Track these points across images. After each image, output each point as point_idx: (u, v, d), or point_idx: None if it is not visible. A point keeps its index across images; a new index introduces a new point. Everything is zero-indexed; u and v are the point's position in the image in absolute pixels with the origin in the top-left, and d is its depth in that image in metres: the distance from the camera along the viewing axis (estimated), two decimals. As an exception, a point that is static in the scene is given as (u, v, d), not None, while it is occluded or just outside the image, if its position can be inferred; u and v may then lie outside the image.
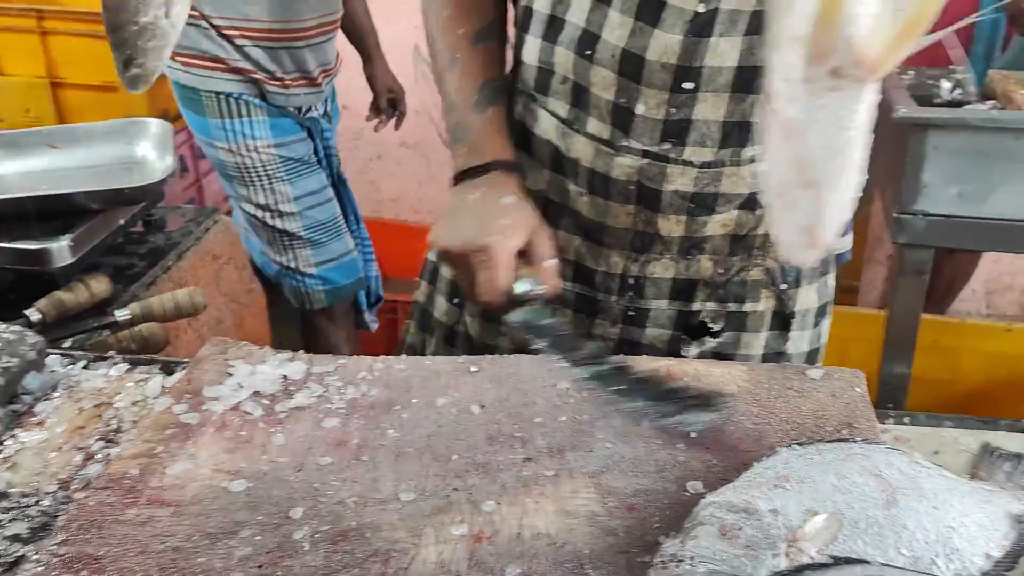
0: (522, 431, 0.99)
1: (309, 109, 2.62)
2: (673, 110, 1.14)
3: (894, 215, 1.83)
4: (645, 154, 1.17)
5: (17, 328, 1.22)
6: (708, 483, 0.92)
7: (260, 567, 0.83)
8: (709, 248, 1.22)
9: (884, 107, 1.85)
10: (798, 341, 1.28)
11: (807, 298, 1.27)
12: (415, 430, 1.01)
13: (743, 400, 1.04)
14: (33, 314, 1.76)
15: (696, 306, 1.24)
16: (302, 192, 2.59)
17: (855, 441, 0.93)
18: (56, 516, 0.97)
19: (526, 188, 1.20)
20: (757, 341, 1.27)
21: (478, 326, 1.36)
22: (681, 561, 0.77)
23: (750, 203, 1.19)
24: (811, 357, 1.32)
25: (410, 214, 3.76)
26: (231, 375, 1.10)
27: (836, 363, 1.14)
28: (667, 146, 1.16)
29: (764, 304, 1.25)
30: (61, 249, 1.84)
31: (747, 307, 1.25)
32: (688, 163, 1.16)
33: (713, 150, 1.16)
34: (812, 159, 0.78)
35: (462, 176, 1.19)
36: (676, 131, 1.15)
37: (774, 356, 1.28)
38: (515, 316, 1.12)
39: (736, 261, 1.23)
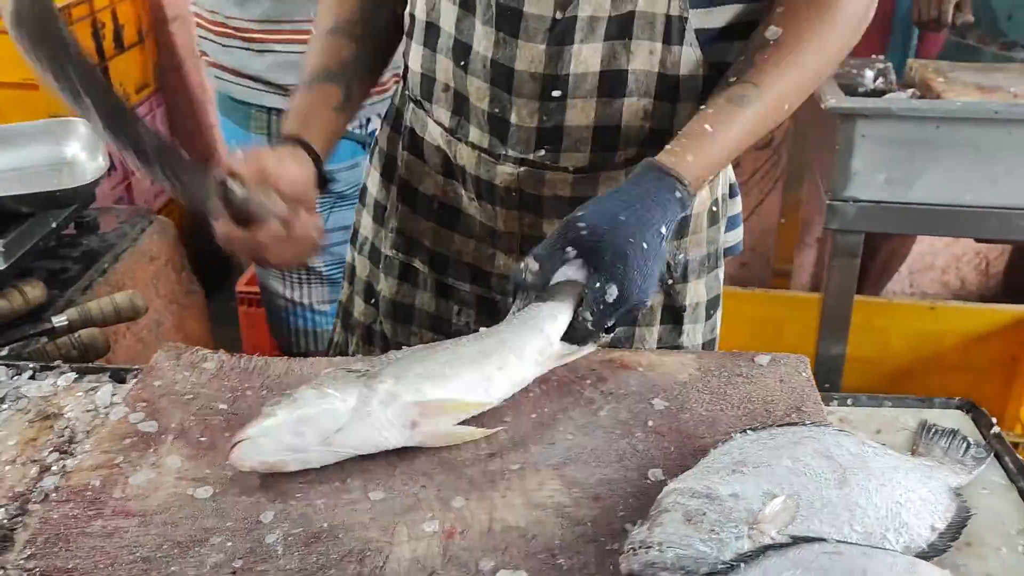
0: (488, 427, 1.01)
1: (369, 120, 2.38)
2: (545, 118, 1.16)
3: (827, 202, 1.90)
4: (523, 162, 1.19)
5: (-40, 340, 1.19)
6: (667, 470, 0.95)
7: (233, 573, 0.84)
8: None
9: (814, 97, 1.92)
10: (692, 334, 1.33)
11: (696, 292, 1.31)
12: (379, 430, 1.01)
13: (695, 388, 1.07)
14: (-47, 322, 1.71)
15: None
16: (334, 226, 2.25)
17: (805, 424, 0.98)
18: (13, 530, 0.95)
19: (311, 158, 1.18)
20: (651, 335, 1.31)
21: (390, 326, 1.40)
22: (650, 547, 0.80)
23: None
24: (707, 348, 1.36)
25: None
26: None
27: (771, 346, 1.18)
28: (543, 153, 1.18)
29: (653, 299, 1.28)
30: (-8, 255, 1.78)
31: None
32: (564, 169, 1.19)
33: (586, 155, 1.18)
34: None
35: None
36: (550, 138, 1.17)
37: (668, 349, 1.31)
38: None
39: None
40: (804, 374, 1.09)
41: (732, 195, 1.36)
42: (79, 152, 2.09)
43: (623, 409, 1.03)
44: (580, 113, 1.15)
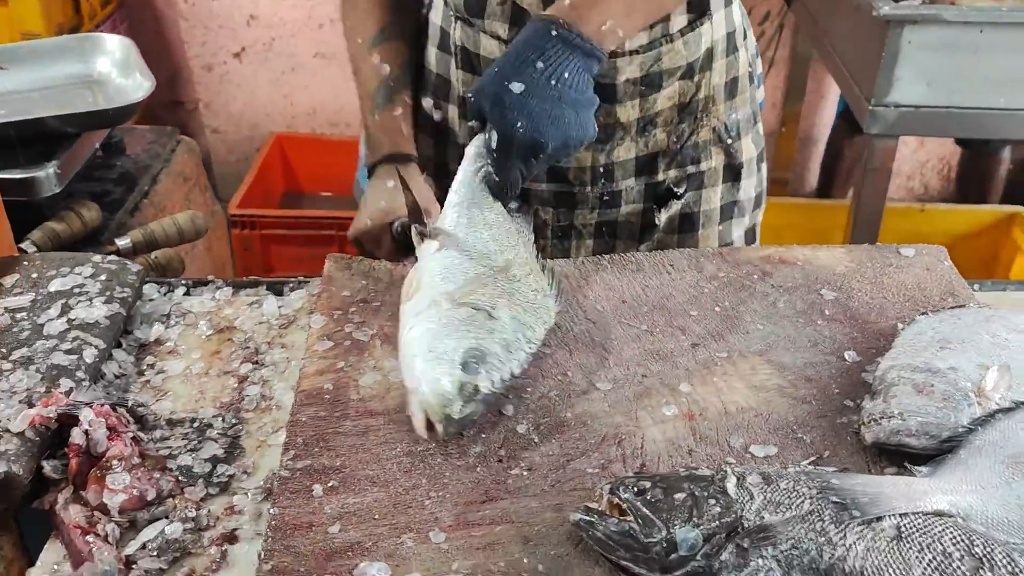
0: (676, 321, 1.07)
1: None
2: None
3: (868, 108, 1.98)
4: None
5: (115, 258, 1.18)
6: (859, 351, 1.02)
7: (500, 460, 0.88)
8: (661, 121, 1.31)
9: (860, 8, 1.99)
10: (747, 188, 1.43)
11: (747, 148, 1.40)
12: (572, 327, 1.06)
13: (854, 278, 1.15)
14: (28, 247, 1.67)
15: (660, 176, 1.35)
16: None
17: (970, 307, 1.06)
18: (237, 437, 0.98)
19: (416, 168, 1.29)
20: (715, 195, 1.40)
21: None
22: (892, 417, 0.88)
23: (689, 72, 1.29)
24: (758, 200, 1.46)
25: (327, 127, 3.66)
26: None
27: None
28: None
29: (715, 160, 1.37)
30: (49, 177, 1.72)
31: (703, 166, 1.37)
32: (633, 52, 1.24)
33: (646, 34, 1.24)
34: None
35: (370, 174, 1.30)
36: None
37: (729, 206, 1.41)
38: None
39: (685, 127, 1.33)
40: (946, 263, 1.18)
41: (757, 55, 1.44)
42: (110, 69, 2.00)
43: (797, 300, 1.10)
44: None
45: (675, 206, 1.37)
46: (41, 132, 1.77)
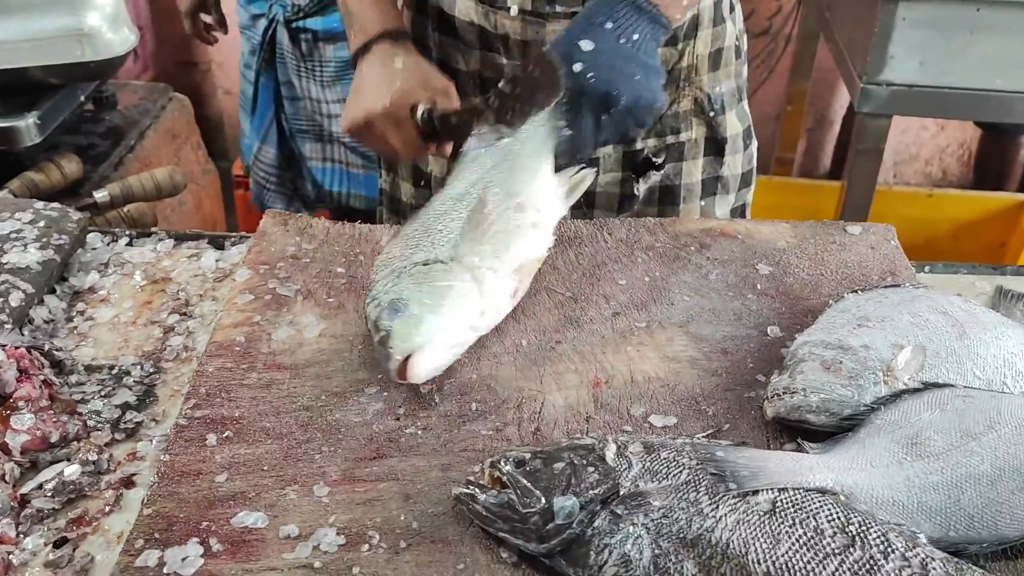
0: (603, 289, 1.05)
1: None
2: None
3: (861, 85, 1.93)
4: (573, 16, 1.20)
5: (57, 205, 1.19)
6: (784, 327, 1.01)
7: (398, 419, 0.88)
8: None
9: (856, -20, 1.93)
10: (732, 165, 1.39)
11: (732, 123, 1.37)
12: (498, 291, 1.05)
13: (794, 254, 1.12)
14: (6, 195, 1.69)
15: (639, 144, 1.32)
16: None
17: (904, 286, 1.04)
18: (153, 386, 0.98)
19: (415, 49, 1.21)
20: (696, 168, 1.37)
21: None
22: (795, 393, 0.86)
23: (672, 39, 1.26)
24: (746, 179, 1.43)
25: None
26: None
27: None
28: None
29: (696, 131, 1.34)
30: (29, 127, 1.75)
31: (683, 136, 1.34)
32: None
33: None
34: None
35: (356, 58, 1.21)
36: None
37: (712, 181, 1.38)
38: None
39: (666, 95, 1.29)
40: (892, 242, 1.15)
41: (744, 32, 1.41)
42: (99, 23, 2.00)
43: (731, 273, 1.08)
44: None
45: (654, 177, 1.35)
46: (24, 82, 1.80)
